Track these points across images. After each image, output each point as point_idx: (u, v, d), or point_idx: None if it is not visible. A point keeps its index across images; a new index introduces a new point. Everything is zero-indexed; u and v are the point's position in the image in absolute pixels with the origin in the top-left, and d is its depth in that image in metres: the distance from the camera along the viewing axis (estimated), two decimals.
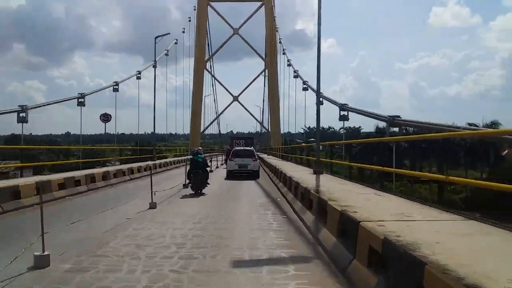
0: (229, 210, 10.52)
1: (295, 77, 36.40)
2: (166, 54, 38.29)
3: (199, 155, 14.03)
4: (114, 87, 26.99)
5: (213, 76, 65.59)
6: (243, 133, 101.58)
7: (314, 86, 15.99)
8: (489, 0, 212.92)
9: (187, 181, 14.37)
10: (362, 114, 15.26)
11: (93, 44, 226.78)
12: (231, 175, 20.56)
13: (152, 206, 10.44)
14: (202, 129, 60.79)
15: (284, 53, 43.65)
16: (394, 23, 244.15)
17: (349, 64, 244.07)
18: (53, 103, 22.22)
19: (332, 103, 17.48)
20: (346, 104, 16.17)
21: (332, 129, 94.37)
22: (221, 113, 69.60)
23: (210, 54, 61.40)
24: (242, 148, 27.02)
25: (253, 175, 20.42)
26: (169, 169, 27.43)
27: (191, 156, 14.75)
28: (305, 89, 32.31)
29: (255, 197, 13.26)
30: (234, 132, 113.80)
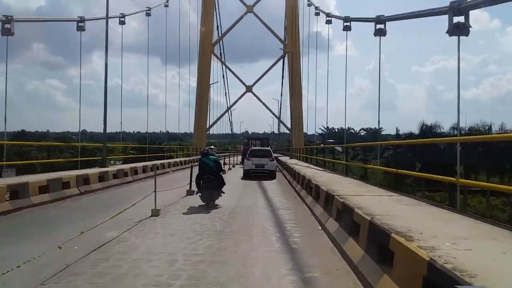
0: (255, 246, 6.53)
1: (316, 14, 36.86)
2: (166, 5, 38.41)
3: (210, 156, 10.84)
4: (120, 19, 27.21)
5: (223, 62, 55.57)
6: (258, 133, 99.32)
7: None
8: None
9: (193, 187, 11.64)
10: (411, 17, 12.53)
11: (111, 44, 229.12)
12: (248, 175, 20.64)
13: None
14: (208, 125, 53.05)
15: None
16: (409, 26, 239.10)
17: (365, 67, 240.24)
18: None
19: (365, 21, 14.94)
20: (382, 15, 13.71)
21: (352, 130, 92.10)
22: (232, 105, 59.23)
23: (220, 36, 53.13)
24: (259, 148, 26.46)
25: (270, 175, 20.63)
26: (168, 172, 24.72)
27: (199, 157, 11.44)
28: (328, 22, 31.88)
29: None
30: (249, 132, 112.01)
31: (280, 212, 9.81)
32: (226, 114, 62.02)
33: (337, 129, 79.25)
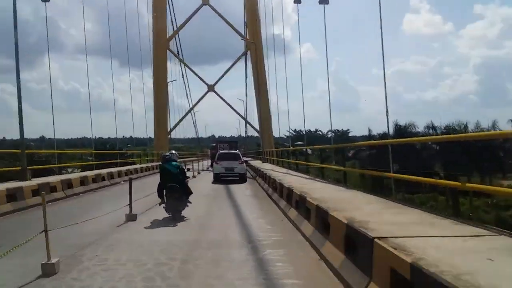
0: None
1: None
2: None
3: (172, 162, 9.63)
4: None
5: (181, 60, 50.55)
6: (225, 136, 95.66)
7: None
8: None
9: (135, 209, 9.06)
10: None
11: (64, 47, 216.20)
12: (218, 179, 20.26)
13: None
14: (169, 128, 48.01)
15: None
16: (367, 29, 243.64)
17: (326, 69, 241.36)
18: None
19: None
20: None
21: (320, 132, 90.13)
22: (194, 105, 53.85)
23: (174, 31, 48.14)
24: (227, 151, 25.95)
25: (240, 178, 20.36)
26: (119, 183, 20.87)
27: (160, 163, 10.34)
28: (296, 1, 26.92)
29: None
30: (216, 136, 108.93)
31: (268, 255, 6.08)
32: (190, 117, 57.60)
33: (305, 131, 76.53)
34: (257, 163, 29.15)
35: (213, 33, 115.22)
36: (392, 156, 10.80)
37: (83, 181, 15.57)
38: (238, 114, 53.39)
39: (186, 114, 53.37)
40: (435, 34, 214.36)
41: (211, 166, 26.99)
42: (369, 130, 47.38)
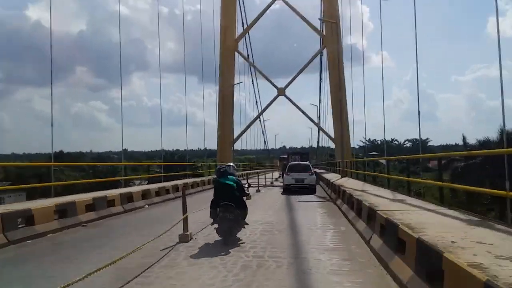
0: None
1: None
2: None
3: (229, 176, 8.48)
4: None
5: (251, 64, 46.98)
6: (296, 148, 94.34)
7: None
8: None
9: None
10: None
11: (149, 65, 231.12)
12: (288, 190, 20.36)
13: None
14: (234, 137, 44.42)
15: None
16: (444, 35, 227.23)
17: (403, 77, 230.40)
18: None
19: None
20: None
21: (396, 142, 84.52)
22: (264, 110, 49.16)
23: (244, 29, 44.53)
24: (298, 162, 26.18)
25: (309, 189, 20.31)
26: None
27: (215, 177, 8.94)
28: None
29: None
30: (287, 147, 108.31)
31: None
32: (259, 126, 56.73)
33: (379, 141, 72.40)
34: (331, 177, 25.01)
35: (285, 37, 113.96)
36: (508, 169, 8.21)
37: (144, 195, 14.86)
38: (311, 120, 48.38)
39: (254, 120, 49.78)
40: None
41: (282, 177, 27.38)
42: (464, 137, 40.91)
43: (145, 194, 14.87)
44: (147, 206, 14.18)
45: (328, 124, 48.52)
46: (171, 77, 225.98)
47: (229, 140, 42.77)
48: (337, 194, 15.05)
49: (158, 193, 16.09)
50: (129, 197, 13.48)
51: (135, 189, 15.62)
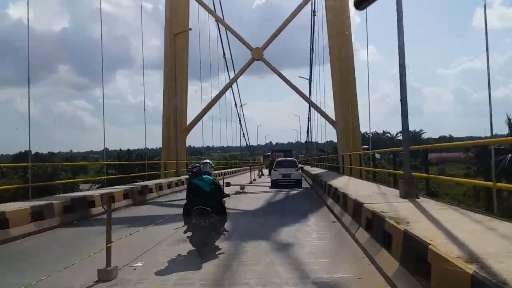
0: None
1: None
2: None
3: (204, 176, 7.24)
4: None
5: (216, 16, 34.25)
6: (283, 143, 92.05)
7: None
8: None
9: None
10: None
11: (134, 63, 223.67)
12: (276, 185, 21.41)
13: None
14: (188, 123, 31.21)
15: None
16: (429, 29, 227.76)
17: (389, 71, 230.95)
18: None
19: None
20: None
21: (388, 134, 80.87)
22: (238, 76, 36.03)
23: None
24: (285, 158, 27.44)
25: (296, 184, 21.44)
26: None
27: (187, 177, 8.41)
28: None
29: None
30: (273, 143, 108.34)
31: None
32: (236, 117, 51.11)
33: (371, 133, 67.88)
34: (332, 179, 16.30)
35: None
36: None
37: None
38: (300, 94, 34.64)
39: (220, 96, 34.74)
40: (508, 29, 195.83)
41: (269, 173, 28.61)
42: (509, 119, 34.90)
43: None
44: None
45: (325, 106, 38.11)
46: (156, 74, 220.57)
47: (182, 128, 29.86)
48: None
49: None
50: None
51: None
